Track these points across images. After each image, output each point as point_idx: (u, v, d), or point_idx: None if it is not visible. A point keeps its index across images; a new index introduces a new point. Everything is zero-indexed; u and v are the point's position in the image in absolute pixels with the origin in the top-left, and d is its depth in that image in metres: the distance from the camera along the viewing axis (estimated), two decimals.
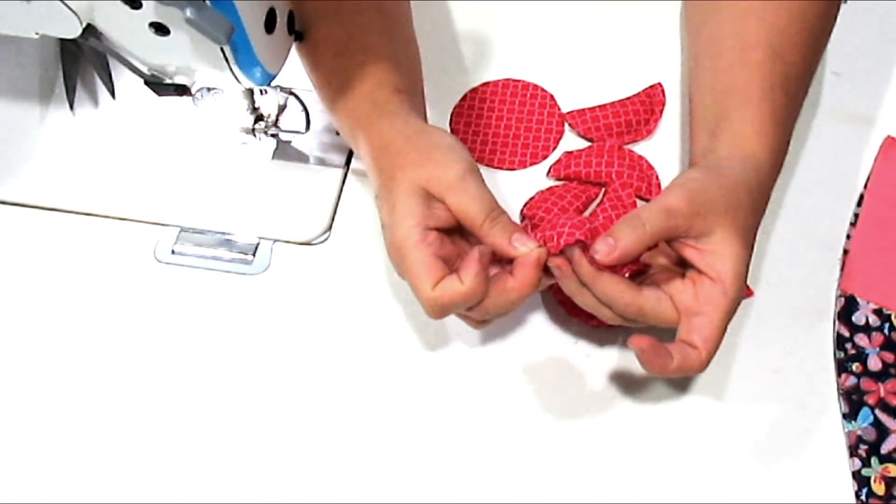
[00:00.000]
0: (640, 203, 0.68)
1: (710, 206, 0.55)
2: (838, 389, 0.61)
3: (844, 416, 0.60)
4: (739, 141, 0.60)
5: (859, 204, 0.68)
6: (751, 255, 0.56)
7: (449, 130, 0.73)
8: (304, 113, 0.71)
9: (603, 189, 0.69)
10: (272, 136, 0.72)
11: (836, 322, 0.63)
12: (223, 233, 0.69)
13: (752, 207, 0.57)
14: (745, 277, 0.56)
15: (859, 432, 0.60)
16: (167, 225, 0.70)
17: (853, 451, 0.59)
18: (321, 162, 0.72)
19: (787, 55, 0.63)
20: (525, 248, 0.55)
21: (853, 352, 0.62)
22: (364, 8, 0.65)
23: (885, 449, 0.59)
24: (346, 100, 0.63)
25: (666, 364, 0.54)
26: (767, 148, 0.60)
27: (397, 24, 0.68)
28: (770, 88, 0.62)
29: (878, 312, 0.63)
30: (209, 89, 0.70)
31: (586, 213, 0.69)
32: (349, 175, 0.71)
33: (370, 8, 0.65)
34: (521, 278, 0.55)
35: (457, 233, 0.59)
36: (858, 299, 0.64)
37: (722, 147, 0.61)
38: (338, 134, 0.73)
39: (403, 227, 0.56)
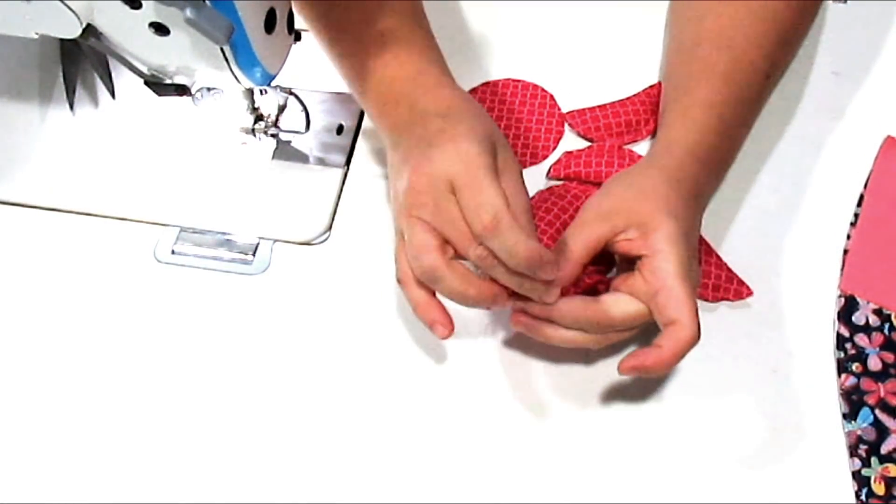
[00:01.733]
0: None
1: (620, 202, 0.58)
2: (838, 389, 0.61)
3: (844, 416, 0.60)
4: (666, 131, 0.62)
5: (859, 204, 0.68)
6: (687, 224, 0.57)
7: None
8: (304, 113, 0.71)
9: None
10: (272, 136, 0.72)
11: (836, 322, 0.63)
12: (223, 233, 0.70)
13: (670, 185, 0.58)
14: (686, 240, 0.56)
15: (859, 432, 0.60)
16: (167, 225, 0.70)
17: (853, 451, 0.59)
18: (321, 162, 0.72)
19: (739, 47, 0.63)
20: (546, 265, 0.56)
21: (853, 352, 0.62)
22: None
23: (885, 449, 0.59)
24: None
25: (660, 356, 0.55)
26: (694, 132, 0.61)
27: (425, 21, 0.68)
28: (708, 77, 0.63)
29: (878, 312, 0.63)
30: (209, 89, 0.70)
31: None
32: (349, 175, 0.71)
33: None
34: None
35: None
36: (858, 299, 0.64)
37: (654, 143, 0.63)
38: (339, 133, 0.73)
39: (484, 158, 0.56)
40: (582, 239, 0.57)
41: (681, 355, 0.55)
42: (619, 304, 0.56)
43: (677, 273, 0.55)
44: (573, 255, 0.57)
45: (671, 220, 0.56)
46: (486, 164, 0.55)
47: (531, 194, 0.69)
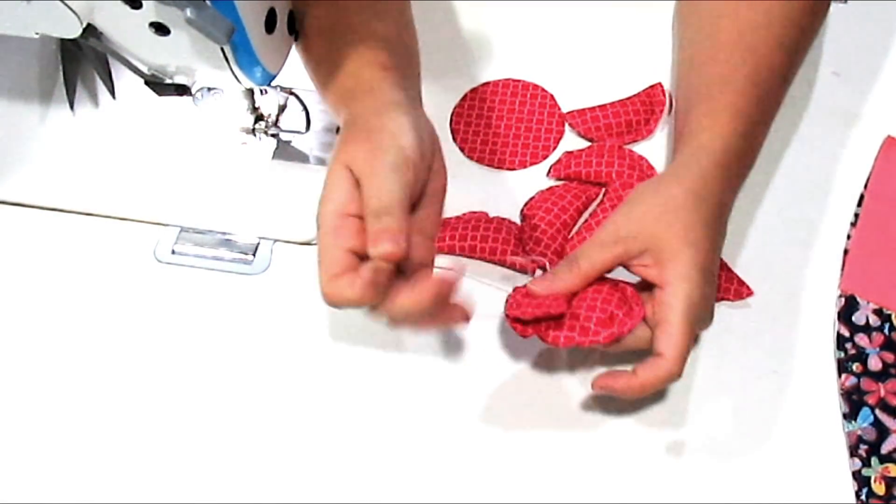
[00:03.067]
0: None
1: (640, 226, 0.57)
2: (838, 389, 0.61)
3: (844, 416, 0.60)
4: (692, 137, 0.61)
5: (859, 204, 0.68)
6: (706, 252, 0.57)
7: (449, 130, 0.73)
8: (304, 113, 0.71)
9: (603, 189, 0.69)
10: (272, 136, 0.72)
11: (836, 322, 0.63)
12: (223, 233, 0.69)
13: (694, 205, 0.58)
14: (700, 272, 0.56)
15: (859, 432, 0.60)
16: (167, 225, 0.70)
17: (853, 451, 0.59)
18: (321, 162, 0.72)
19: (760, 50, 0.63)
20: (376, 250, 0.52)
21: (853, 352, 0.62)
22: None
23: (885, 449, 0.59)
24: (334, 79, 0.61)
25: (630, 382, 0.56)
26: (721, 138, 0.60)
27: (389, 7, 0.66)
28: (732, 82, 0.62)
29: (878, 312, 0.63)
30: (209, 89, 0.70)
31: (586, 214, 0.69)
32: None
33: None
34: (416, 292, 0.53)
35: None
36: (858, 299, 0.64)
37: (679, 147, 0.62)
38: (338, 131, 0.73)
39: (323, 210, 0.54)
40: (595, 258, 0.57)
41: (653, 387, 0.56)
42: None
43: (680, 310, 0.55)
44: (581, 272, 0.57)
45: (689, 250, 0.56)
46: (324, 233, 0.54)
47: (532, 194, 0.69)
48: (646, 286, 0.59)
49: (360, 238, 0.53)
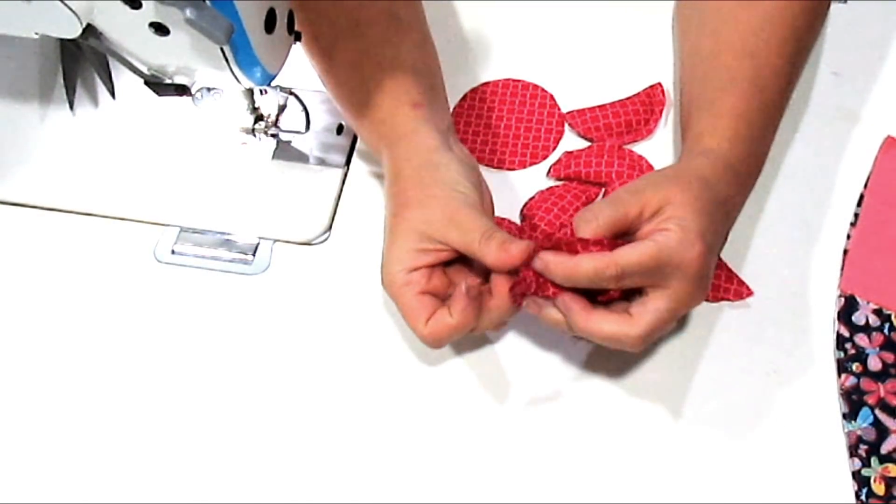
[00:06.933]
0: None
1: (658, 185, 0.57)
2: (838, 389, 0.61)
3: (844, 416, 0.60)
4: (697, 141, 0.62)
5: (859, 204, 0.68)
6: (712, 236, 0.56)
7: None
8: (304, 113, 0.71)
9: (603, 189, 0.69)
10: (272, 136, 0.72)
11: (836, 322, 0.63)
12: (223, 233, 0.70)
13: (707, 195, 0.57)
14: (700, 245, 0.54)
15: (859, 432, 0.60)
16: (167, 225, 0.70)
17: (853, 451, 0.59)
18: (321, 162, 0.72)
19: (761, 54, 0.63)
20: (517, 249, 0.55)
21: (853, 352, 0.62)
22: (377, 19, 0.65)
23: (885, 449, 0.59)
24: (368, 118, 0.65)
25: (590, 316, 0.55)
26: (726, 141, 0.61)
27: (411, 29, 0.67)
28: (735, 87, 0.62)
29: (878, 312, 0.63)
30: (209, 89, 0.70)
31: None
32: (349, 175, 0.71)
33: (383, 18, 0.65)
34: (499, 297, 0.57)
35: (457, 262, 0.59)
36: (858, 299, 0.64)
37: (684, 149, 0.62)
38: (339, 133, 0.73)
39: (391, 271, 0.58)
40: (615, 213, 0.56)
41: (604, 338, 0.55)
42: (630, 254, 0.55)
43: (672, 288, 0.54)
44: (599, 228, 0.56)
45: (698, 219, 0.55)
46: (398, 288, 0.57)
47: (531, 194, 0.69)
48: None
49: (431, 281, 0.58)
